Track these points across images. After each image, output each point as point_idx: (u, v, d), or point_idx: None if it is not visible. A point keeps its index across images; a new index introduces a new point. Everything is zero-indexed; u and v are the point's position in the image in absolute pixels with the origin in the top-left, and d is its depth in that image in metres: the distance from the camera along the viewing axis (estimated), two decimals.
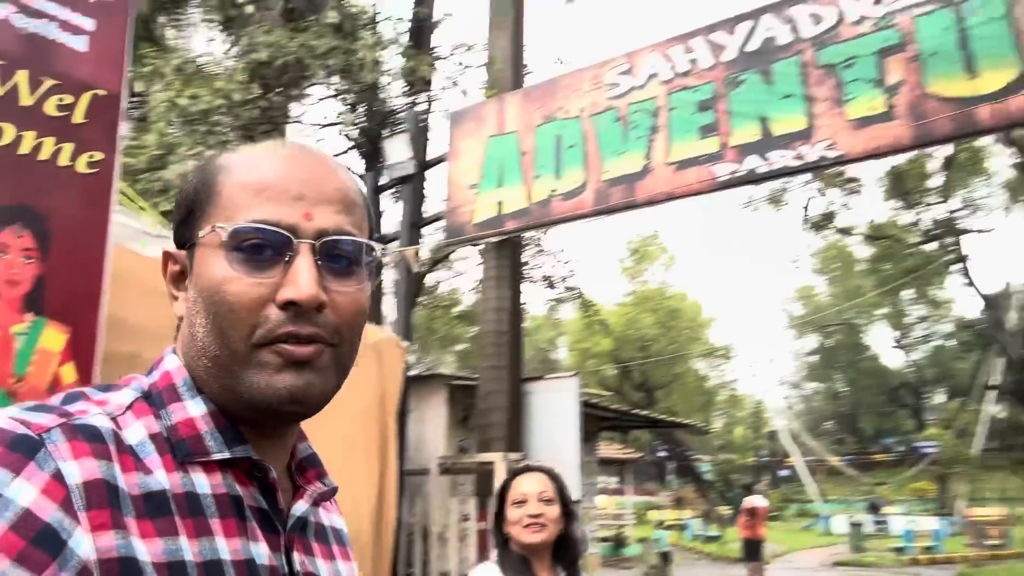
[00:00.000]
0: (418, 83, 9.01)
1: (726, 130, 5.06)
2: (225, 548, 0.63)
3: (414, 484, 6.55)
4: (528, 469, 2.15)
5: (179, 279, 0.72)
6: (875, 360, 40.41)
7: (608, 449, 18.74)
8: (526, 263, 11.82)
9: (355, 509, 4.00)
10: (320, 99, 9.32)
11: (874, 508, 28.07)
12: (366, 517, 4.06)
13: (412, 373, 8.64)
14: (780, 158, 4.82)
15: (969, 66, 4.17)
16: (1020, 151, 15.94)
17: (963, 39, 4.20)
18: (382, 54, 8.28)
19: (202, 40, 9.60)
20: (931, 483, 27.11)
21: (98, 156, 2.98)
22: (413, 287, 7.20)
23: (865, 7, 4.63)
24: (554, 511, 2.02)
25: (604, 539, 19.21)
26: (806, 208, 19.60)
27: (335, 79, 8.12)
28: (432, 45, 9.92)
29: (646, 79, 5.52)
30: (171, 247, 0.74)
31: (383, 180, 7.55)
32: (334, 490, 0.76)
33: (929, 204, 21.13)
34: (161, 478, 0.62)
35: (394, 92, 9.28)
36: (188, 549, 0.60)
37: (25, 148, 2.68)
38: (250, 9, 7.42)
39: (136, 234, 3.46)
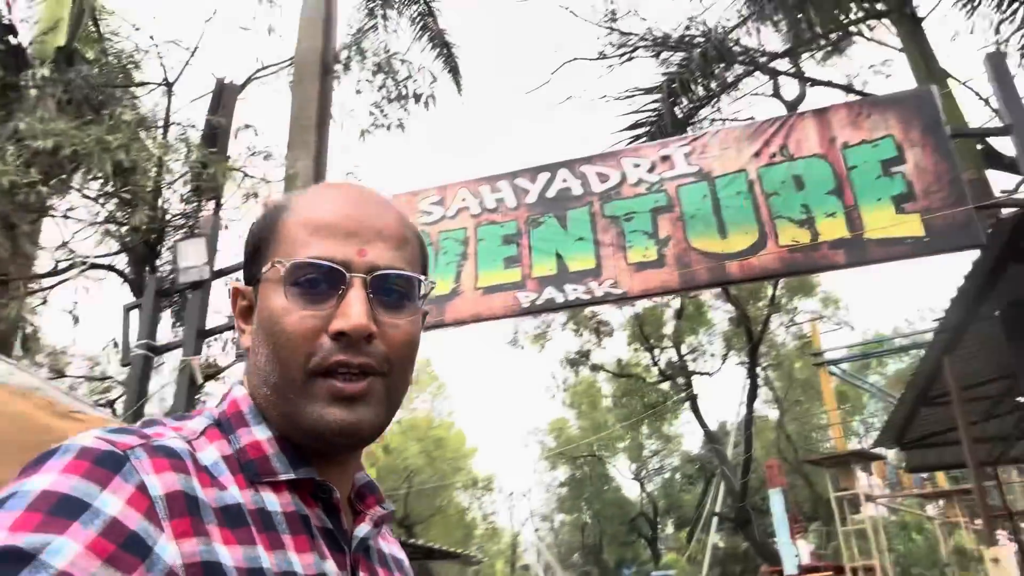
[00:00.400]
0: (208, 190, 8.77)
1: (528, 263, 5.62)
2: (298, 562, 0.65)
3: None
4: None
5: (247, 314, 0.77)
6: (618, 491, 43.29)
7: None
8: None
9: None
10: (94, 196, 8.64)
11: None
12: None
13: None
14: (573, 291, 5.43)
15: (721, 228, 5.16)
16: (735, 306, 19.00)
17: (716, 206, 5.21)
18: (173, 155, 8.02)
19: None
20: None
21: None
22: (194, 401, 6.66)
23: (642, 173, 5.57)
24: None
25: None
26: (597, 343, 21.28)
27: (117, 176, 7.65)
28: (227, 155, 9.76)
29: (456, 211, 6.00)
30: (240, 284, 0.79)
31: (169, 284, 7.09)
32: (392, 512, 0.79)
33: (664, 348, 24.04)
34: (236, 493, 0.65)
35: (179, 196, 8.92)
36: (266, 559, 0.62)
37: None
38: (33, 92, 6.87)
39: None
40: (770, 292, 20.06)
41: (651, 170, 5.55)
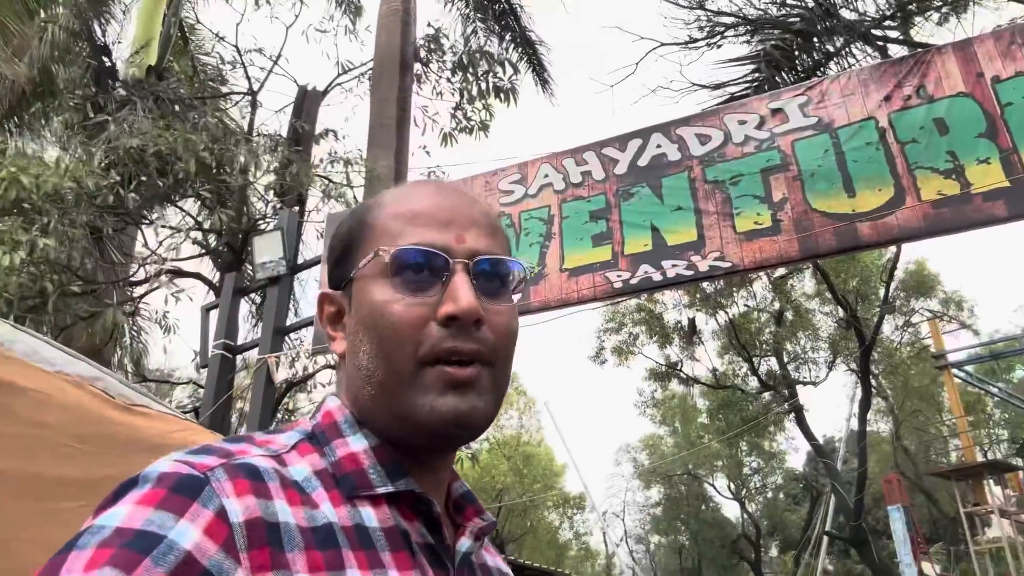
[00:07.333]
0: (292, 190, 8.62)
1: (619, 239, 5.07)
2: None
3: None
4: None
5: (336, 319, 0.75)
6: (716, 511, 41.52)
7: None
8: None
9: None
10: (177, 199, 8.61)
11: None
12: None
13: None
14: (673, 267, 4.84)
15: (848, 185, 4.45)
16: (843, 308, 17.71)
17: (841, 161, 4.51)
18: (260, 157, 7.90)
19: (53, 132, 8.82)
20: None
21: None
22: (271, 401, 6.41)
23: (749, 130, 4.93)
24: None
25: None
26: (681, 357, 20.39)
27: (200, 174, 7.55)
28: (310, 159, 9.65)
29: (538, 189, 5.52)
30: (328, 290, 0.76)
31: (248, 282, 6.92)
32: (493, 524, 0.76)
33: (763, 355, 22.77)
34: (328, 511, 0.62)
35: (262, 199, 8.83)
36: None
37: None
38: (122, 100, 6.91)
39: None
40: (882, 292, 18.62)
41: (760, 126, 4.90)
